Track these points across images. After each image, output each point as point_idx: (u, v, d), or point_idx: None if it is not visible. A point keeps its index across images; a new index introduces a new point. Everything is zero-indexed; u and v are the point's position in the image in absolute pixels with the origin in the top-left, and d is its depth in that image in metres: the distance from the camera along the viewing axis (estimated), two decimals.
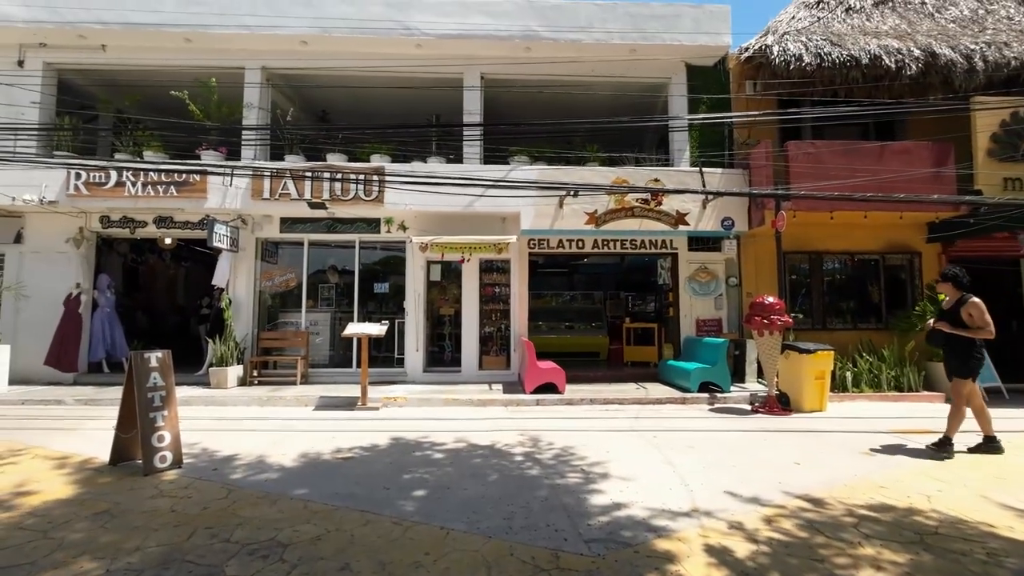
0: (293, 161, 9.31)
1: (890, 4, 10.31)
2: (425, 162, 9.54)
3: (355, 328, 7.61)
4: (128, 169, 8.75)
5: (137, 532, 3.25)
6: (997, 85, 8.75)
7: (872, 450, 5.28)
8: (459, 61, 9.71)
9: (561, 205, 8.91)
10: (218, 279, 9.10)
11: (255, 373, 9.13)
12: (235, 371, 8.71)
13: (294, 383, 8.92)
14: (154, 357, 4.60)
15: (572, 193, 8.60)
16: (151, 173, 8.78)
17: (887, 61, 8.63)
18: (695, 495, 3.95)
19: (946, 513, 3.61)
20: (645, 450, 5.27)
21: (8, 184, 8.53)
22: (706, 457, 5.01)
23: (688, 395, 8.03)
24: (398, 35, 9.32)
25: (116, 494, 3.95)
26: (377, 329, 7.55)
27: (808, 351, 7.26)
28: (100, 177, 8.79)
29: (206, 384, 8.62)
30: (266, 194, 8.98)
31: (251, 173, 8.81)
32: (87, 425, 6.27)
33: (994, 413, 5.91)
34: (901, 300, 9.72)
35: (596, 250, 9.89)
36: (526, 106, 11.15)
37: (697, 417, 7.02)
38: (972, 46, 8.82)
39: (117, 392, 7.05)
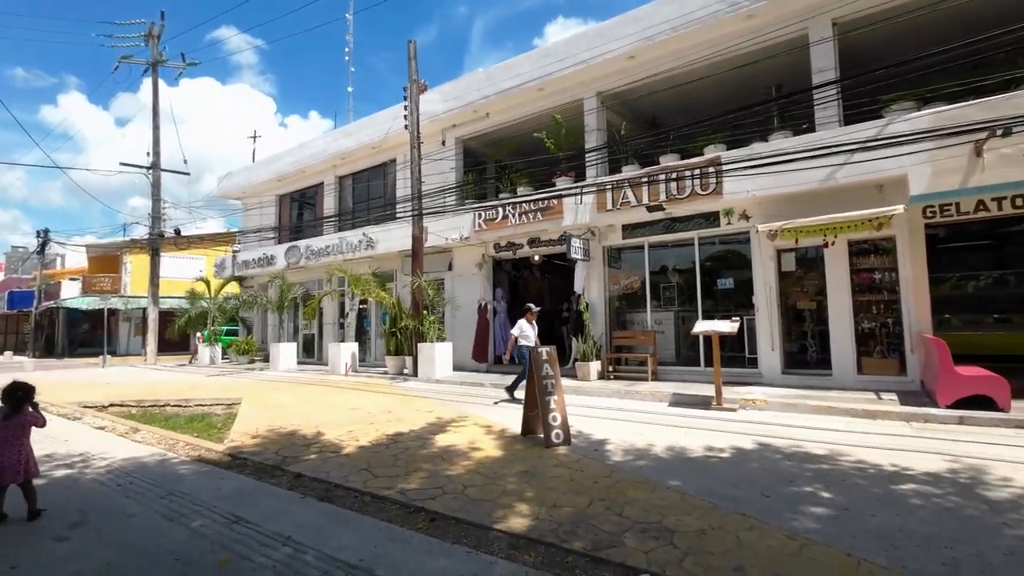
0: (629, 170, 9.94)
1: None
2: (766, 140, 8.61)
3: (705, 326, 7.46)
4: (508, 204, 11.13)
5: (550, 492, 4.00)
6: None
7: None
8: (801, 16, 8.44)
9: (979, 153, 6.51)
10: (577, 286, 10.52)
11: (611, 368, 10.08)
12: (595, 366, 9.83)
13: (645, 379, 9.40)
14: (545, 351, 5.63)
15: (999, 132, 6.18)
16: (523, 204, 10.91)
17: None
18: None
19: None
20: None
21: (443, 229, 12.13)
22: None
23: None
24: (724, 15, 8.79)
25: (529, 459, 4.98)
26: (728, 327, 7.19)
27: None
28: (492, 214, 11.48)
29: (573, 376, 10.02)
30: (609, 205, 9.86)
31: (595, 189, 9.86)
32: (501, 403, 8.18)
33: None
34: None
35: None
36: (899, 41, 8.70)
37: None
38: None
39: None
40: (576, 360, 10.10)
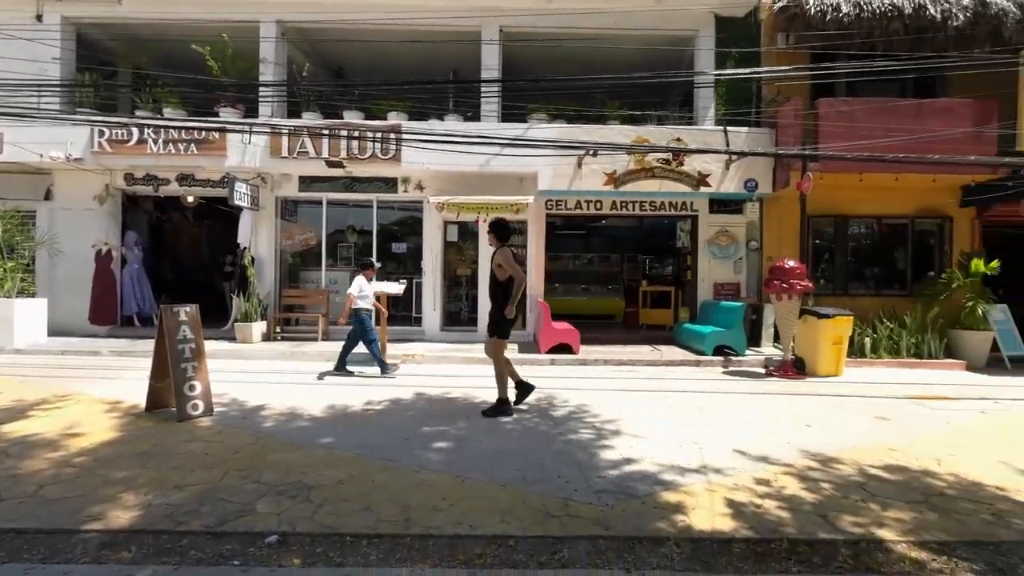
0: (310, 118, 9.26)
1: None
2: (442, 120, 9.40)
3: (375, 286, 7.73)
4: (149, 126, 8.82)
5: (175, 472, 3.48)
6: None
7: (886, 414, 5.30)
8: (478, 13, 9.39)
9: (580, 165, 8.76)
10: (241, 237, 9.28)
11: (278, 329, 9.42)
12: (259, 327, 8.99)
13: (316, 339, 9.18)
14: (183, 311, 4.79)
15: (591, 152, 8.44)
16: (171, 130, 8.84)
17: (932, 11, 8.10)
18: (705, 453, 4.05)
19: (957, 476, 3.65)
20: (657, 410, 5.38)
21: (35, 141, 8.69)
22: (718, 418, 5.09)
23: (703, 358, 8.07)
24: None
25: (154, 438, 4.20)
26: (396, 288, 7.67)
27: (826, 316, 7.20)
28: (122, 134, 8.88)
29: (232, 339, 8.93)
30: (284, 152, 8.99)
31: (269, 131, 8.81)
32: (124, 375, 6.59)
33: (1020, 381, 5.80)
34: (928, 267, 9.48)
35: (614, 212, 9.77)
36: (546, 62, 10.80)
37: (711, 379, 7.09)
38: None
39: (149, 345, 7.33)
40: (236, 321, 9.01)
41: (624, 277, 12.79)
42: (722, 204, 9.56)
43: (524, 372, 7.32)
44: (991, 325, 8.29)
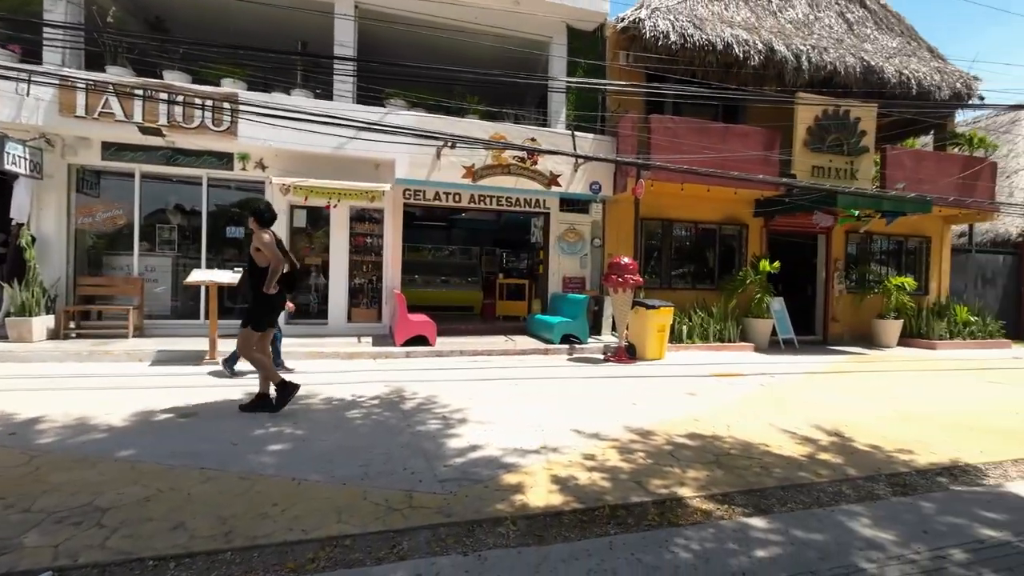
0: (119, 73, 7.80)
1: None
2: (288, 94, 8.61)
3: (202, 275, 6.83)
4: None
5: None
6: (816, 84, 10.25)
7: (694, 390, 6.21)
8: None
9: (439, 156, 8.71)
10: (16, 211, 7.47)
11: (71, 324, 7.82)
12: (42, 322, 7.37)
13: (125, 336, 7.82)
14: None
15: (450, 144, 8.43)
16: None
17: (736, 50, 9.62)
18: (545, 434, 4.33)
19: (739, 438, 4.42)
20: (506, 397, 5.61)
21: None
22: (559, 401, 5.48)
23: (551, 346, 8.62)
24: None
25: None
26: (228, 277, 6.83)
27: (653, 307, 8.19)
28: None
29: (4, 337, 7.20)
30: (80, 111, 7.45)
31: (58, 82, 7.20)
32: None
33: (789, 359, 7.16)
34: (731, 265, 11.30)
35: (473, 205, 9.91)
36: (407, 47, 10.49)
37: (557, 366, 7.60)
38: (801, 47, 10.18)
39: None
40: (9, 315, 7.26)
41: (483, 270, 13.08)
42: (571, 203, 10.27)
43: (378, 365, 7.14)
44: (772, 314, 10.20)
